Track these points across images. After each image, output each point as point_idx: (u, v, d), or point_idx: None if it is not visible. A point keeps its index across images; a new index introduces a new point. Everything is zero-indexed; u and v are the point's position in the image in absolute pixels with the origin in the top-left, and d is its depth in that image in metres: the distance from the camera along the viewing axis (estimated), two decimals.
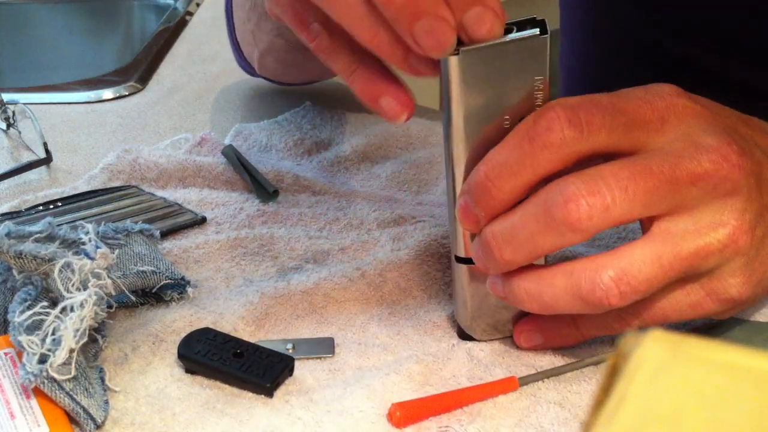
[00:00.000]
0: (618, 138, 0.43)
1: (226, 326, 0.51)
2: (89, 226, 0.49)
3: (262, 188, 0.65)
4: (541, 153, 0.42)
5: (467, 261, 0.48)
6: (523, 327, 0.49)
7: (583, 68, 0.86)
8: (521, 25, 0.43)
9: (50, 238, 0.48)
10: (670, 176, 0.43)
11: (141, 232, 0.55)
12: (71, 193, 0.65)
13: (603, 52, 0.83)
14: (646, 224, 0.45)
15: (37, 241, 0.48)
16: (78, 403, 0.43)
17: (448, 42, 0.41)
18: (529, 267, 0.45)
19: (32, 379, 0.43)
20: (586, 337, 0.49)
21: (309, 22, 0.47)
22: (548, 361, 0.49)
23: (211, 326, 0.50)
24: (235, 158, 0.68)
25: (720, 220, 0.44)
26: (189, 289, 0.53)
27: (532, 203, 0.43)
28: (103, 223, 0.54)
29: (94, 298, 0.45)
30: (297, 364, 0.48)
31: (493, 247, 0.44)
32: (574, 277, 0.43)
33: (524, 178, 0.43)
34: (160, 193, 0.65)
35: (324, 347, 0.50)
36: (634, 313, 0.46)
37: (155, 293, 0.53)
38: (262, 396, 0.46)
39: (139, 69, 0.89)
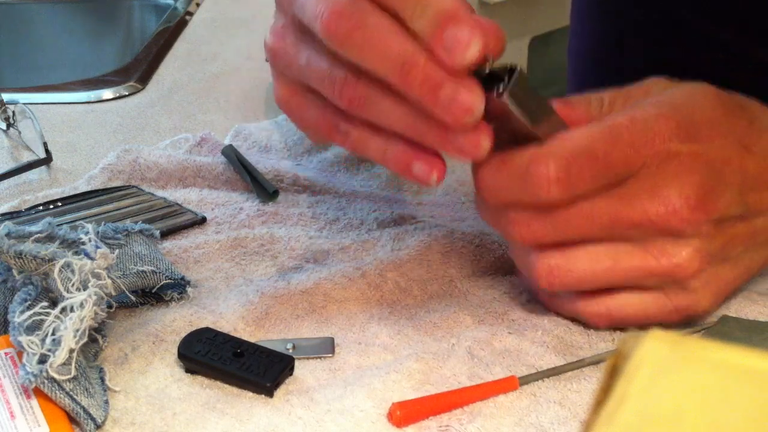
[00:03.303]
0: (598, 186, 0.47)
1: (226, 326, 0.51)
2: (89, 226, 0.49)
3: (262, 188, 0.65)
4: (527, 194, 0.47)
5: None
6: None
7: (590, 51, 0.86)
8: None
9: (50, 238, 0.48)
10: (612, 218, 0.47)
11: (141, 232, 0.55)
12: (71, 193, 0.65)
13: (610, 31, 0.83)
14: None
15: (37, 241, 0.48)
16: (78, 403, 0.43)
17: (473, 104, 0.44)
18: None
19: (32, 379, 0.43)
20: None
21: (335, 126, 0.49)
22: (548, 360, 0.49)
23: (211, 326, 0.50)
24: (235, 158, 0.68)
25: (668, 252, 0.47)
26: (189, 289, 0.53)
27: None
28: (103, 223, 0.54)
29: (94, 298, 0.45)
30: (297, 363, 0.48)
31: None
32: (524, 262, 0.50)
33: (509, 200, 0.48)
34: (160, 193, 0.65)
35: (324, 347, 0.50)
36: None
37: (155, 293, 0.53)
38: (263, 396, 0.46)
39: (139, 69, 0.89)
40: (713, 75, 0.72)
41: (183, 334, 0.49)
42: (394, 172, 0.49)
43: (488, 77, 0.44)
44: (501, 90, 0.44)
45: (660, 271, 0.47)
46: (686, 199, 0.46)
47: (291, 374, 0.48)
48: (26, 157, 0.71)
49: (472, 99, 0.44)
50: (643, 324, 0.50)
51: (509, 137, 0.47)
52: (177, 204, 0.64)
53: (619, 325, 0.51)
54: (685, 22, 0.74)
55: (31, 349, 0.43)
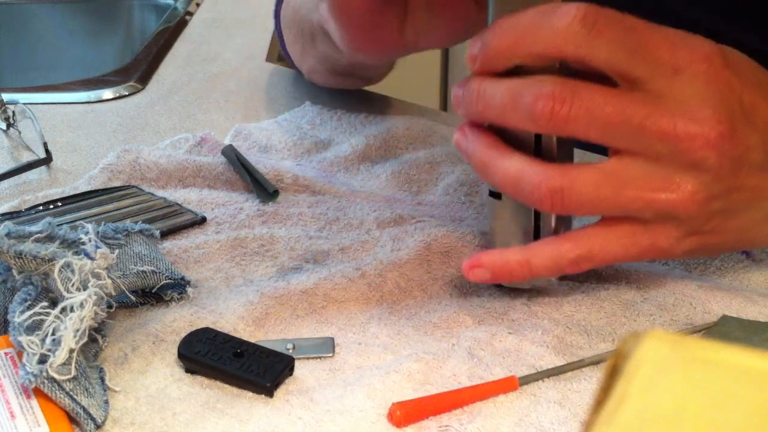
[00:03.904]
0: (620, 60, 0.45)
1: (226, 326, 0.51)
2: (89, 226, 0.49)
3: (262, 188, 0.65)
4: (545, 32, 0.45)
5: (497, 196, 0.52)
6: (472, 263, 0.50)
7: None
8: None
9: (50, 238, 0.48)
10: (640, 121, 0.45)
11: (141, 232, 0.55)
12: (71, 193, 0.65)
13: None
14: (609, 153, 0.47)
15: (37, 241, 0.48)
16: (78, 403, 0.43)
17: None
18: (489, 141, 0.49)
19: (32, 379, 0.43)
20: (535, 274, 0.50)
21: None
22: (548, 360, 0.49)
23: (211, 326, 0.50)
24: (235, 158, 0.68)
25: (673, 183, 0.45)
26: (189, 289, 0.53)
27: (519, 83, 0.46)
28: (103, 223, 0.54)
29: (94, 298, 0.45)
30: (297, 363, 0.48)
31: (473, 97, 0.48)
32: (521, 188, 0.47)
33: (521, 48, 0.46)
34: (160, 193, 0.65)
35: (324, 347, 0.50)
36: (585, 256, 0.48)
37: (155, 293, 0.53)
38: (263, 396, 0.46)
39: (139, 69, 0.89)
40: None
41: (183, 334, 0.49)
42: None
43: None
44: None
45: (660, 202, 0.46)
46: (718, 125, 0.44)
47: (291, 374, 0.48)
48: (26, 157, 0.71)
49: None
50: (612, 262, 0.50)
51: None
52: (177, 204, 0.64)
53: (593, 266, 0.49)
54: (674, 11, 0.74)
55: (31, 349, 0.43)
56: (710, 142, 0.44)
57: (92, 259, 0.47)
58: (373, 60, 0.67)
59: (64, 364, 0.43)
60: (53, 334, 0.44)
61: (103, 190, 0.65)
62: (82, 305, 0.45)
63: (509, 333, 0.51)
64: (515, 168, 0.47)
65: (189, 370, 0.48)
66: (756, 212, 0.49)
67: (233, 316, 0.52)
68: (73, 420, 0.44)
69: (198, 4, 1.07)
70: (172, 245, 0.59)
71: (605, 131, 0.45)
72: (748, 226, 0.50)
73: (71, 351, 0.43)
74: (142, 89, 0.85)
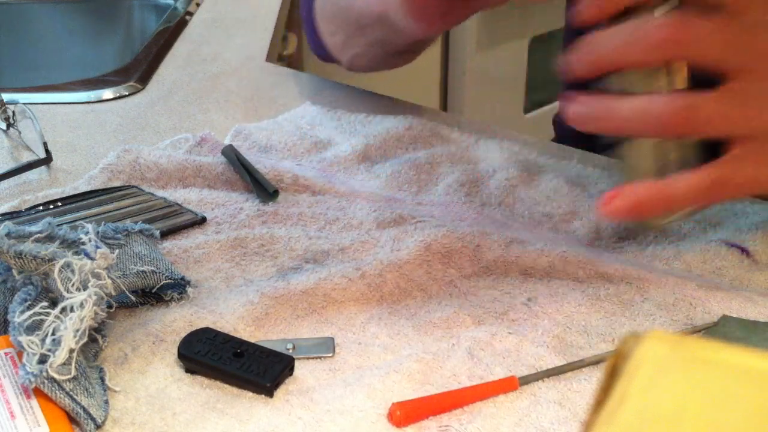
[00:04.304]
0: (711, 49, 0.47)
1: (226, 326, 0.51)
2: (89, 226, 0.49)
3: (262, 188, 0.65)
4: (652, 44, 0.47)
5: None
6: (610, 195, 0.50)
7: None
8: None
9: (50, 238, 0.48)
10: (751, 40, 0.47)
11: (141, 232, 0.55)
12: (71, 193, 0.65)
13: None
14: (722, 83, 0.48)
15: (37, 241, 0.48)
16: (78, 403, 0.43)
17: None
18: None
19: (32, 379, 0.43)
20: (673, 203, 0.50)
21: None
22: (548, 360, 0.49)
23: (211, 326, 0.50)
24: (235, 158, 0.68)
25: None
26: (189, 289, 0.53)
27: (634, 22, 0.48)
28: (103, 223, 0.54)
29: (94, 298, 0.45)
30: (297, 363, 0.48)
31: (595, 41, 0.49)
32: (650, 118, 0.48)
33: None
34: (160, 193, 0.65)
35: (324, 347, 0.50)
36: (720, 181, 0.49)
37: (155, 293, 0.53)
38: (263, 396, 0.46)
39: (139, 69, 0.89)
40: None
41: (183, 334, 0.49)
42: None
43: None
44: None
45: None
46: None
47: (291, 374, 0.48)
48: (26, 157, 0.71)
49: None
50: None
51: None
52: (177, 204, 0.64)
53: (730, 193, 0.51)
54: None
55: (31, 349, 0.43)
56: None
57: (92, 259, 0.47)
58: (438, 33, 0.68)
59: (64, 364, 0.43)
60: (53, 334, 0.44)
61: (103, 190, 0.65)
62: (82, 305, 0.45)
63: (509, 333, 0.51)
64: (639, 102, 0.48)
65: (189, 370, 0.48)
66: None
67: (233, 316, 0.52)
68: (73, 420, 0.44)
69: (198, 4, 1.07)
70: (172, 245, 0.59)
71: (724, 49, 0.47)
72: None
73: (71, 351, 0.43)
74: (142, 89, 0.85)
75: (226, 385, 0.47)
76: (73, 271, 0.46)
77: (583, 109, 0.50)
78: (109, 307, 0.48)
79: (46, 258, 0.46)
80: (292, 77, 0.86)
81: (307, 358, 0.49)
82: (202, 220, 0.62)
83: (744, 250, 0.59)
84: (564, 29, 0.90)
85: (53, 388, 0.43)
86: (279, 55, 0.86)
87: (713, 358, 0.23)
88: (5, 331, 0.47)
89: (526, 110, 2.16)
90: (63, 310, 0.45)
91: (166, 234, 0.60)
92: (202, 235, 0.60)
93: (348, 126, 0.76)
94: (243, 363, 0.47)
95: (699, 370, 0.23)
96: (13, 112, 0.74)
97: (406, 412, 0.44)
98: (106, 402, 0.45)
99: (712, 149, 0.49)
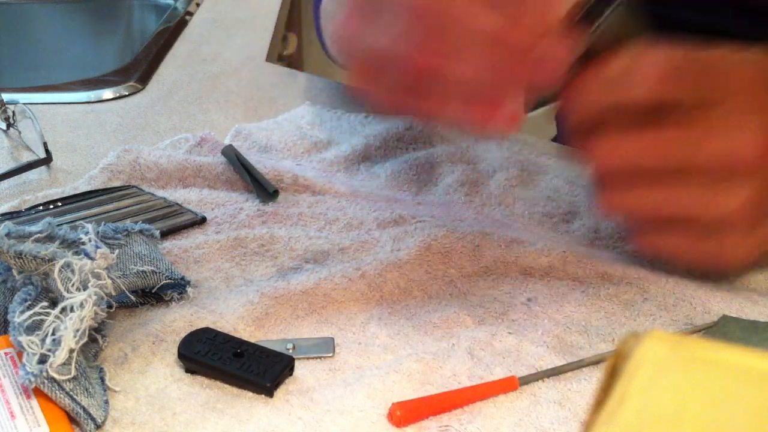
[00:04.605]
0: (686, 97, 0.48)
1: (226, 326, 0.51)
2: (89, 226, 0.49)
3: (262, 188, 0.65)
4: (626, 92, 0.48)
5: None
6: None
7: None
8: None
9: (50, 238, 0.48)
10: (693, 149, 0.48)
11: (141, 232, 0.55)
12: (71, 193, 0.65)
13: None
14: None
15: (37, 241, 0.48)
16: (78, 403, 0.43)
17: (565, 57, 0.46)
18: None
19: (32, 379, 0.43)
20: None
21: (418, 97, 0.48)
22: (548, 360, 0.49)
23: (211, 326, 0.50)
24: (235, 158, 0.68)
25: (725, 190, 0.48)
26: (189, 289, 0.53)
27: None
28: (103, 223, 0.54)
29: (94, 298, 0.45)
30: (297, 363, 0.48)
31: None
32: None
33: (604, 104, 0.50)
34: (160, 193, 0.65)
35: (324, 347, 0.50)
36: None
37: (155, 293, 0.53)
38: (263, 396, 0.46)
39: (139, 69, 0.89)
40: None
41: (183, 334, 0.49)
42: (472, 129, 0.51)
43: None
44: (597, 24, 0.47)
45: (712, 210, 0.48)
46: (763, 135, 0.47)
47: (291, 374, 0.48)
48: (26, 157, 0.71)
49: (567, 46, 0.45)
50: (680, 261, 0.53)
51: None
52: (177, 204, 0.64)
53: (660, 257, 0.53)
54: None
55: (31, 349, 0.43)
56: (750, 156, 0.47)
57: (92, 259, 0.47)
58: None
59: (64, 364, 0.43)
60: (53, 334, 0.44)
61: (103, 190, 0.65)
62: (82, 305, 0.45)
63: (509, 333, 0.51)
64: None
65: (189, 370, 0.48)
66: None
67: (233, 316, 0.51)
68: (73, 420, 0.44)
69: (198, 4, 1.07)
70: (172, 245, 0.59)
71: (657, 161, 0.49)
72: None
73: (71, 351, 0.43)
74: (142, 89, 0.85)
75: (226, 385, 0.47)
76: (73, 271, 0.46)
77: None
78: (109, 307, 0.48)
79: (46, 258, 0.46)
80: (292, 77, 0.86)
81: (307, 358, 0.49)
82: (202, 220, 0.62)
83: None
84: None
85: (53, 388, 0.43)
86: (279, 55, 0.86)
87: (713, 358, 0.23)
88: (5, 331, 0.47)
89: (526, 110, 2.16)
90: (63, 310, 0.45)
91: (166, 234, 0.60)
92: (202, 235, 0.60)
93: (348, 126, 0.76)
94: (243, 363, 0.47)
95: (699, 370, 0.23)
96: (13, 112, 0.74)
97: (406, 412, 0.44)
98: (106, 402, 0.45)
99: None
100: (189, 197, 0.64)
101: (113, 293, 0.48)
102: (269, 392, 0.46)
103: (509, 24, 0.44)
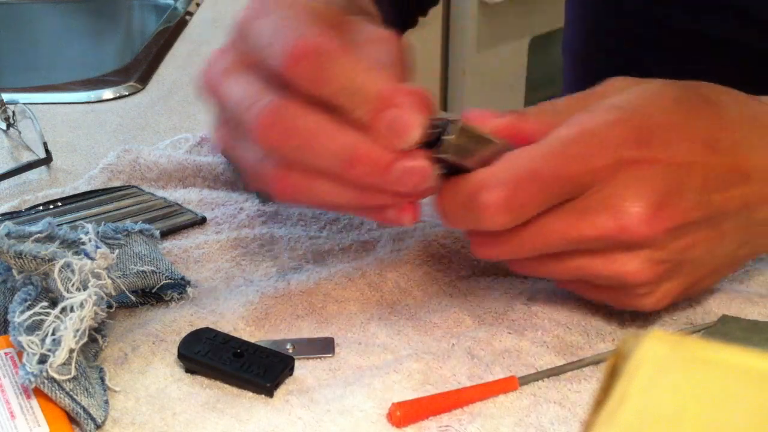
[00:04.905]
0: (548, 205, 0.45)
1: (226, 326, 0.51)
2: (89, 226, 0.49)
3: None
4: (476, 222, 0.46)
5: None
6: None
7: (583, 48, 0.86)
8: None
9: (50, 238, 0.48)
10: (560, 236, 0.46)
11: (141, 232, 0.55)
12: (71, 193, 0.65)
13: (605, 29, 0.83)
14: None
15: (37, 241, 0.48)
16: (78, 403, 0.43)
17: (425, 173, 0.44)
18: None
19: (32, 379, 0.43)
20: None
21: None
22: (548, 360, 0.49)
23: (211, 326, 0.50)
24: None
25: (617, 262, 0.46)
26: (189, 289, 0.53)
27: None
28: (103, 223, 0.54)
29: (94, 298, 0.45)
30: (297, 363, 0.48)
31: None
32: None
33: (465, 226, 0.48)
34: (160, 193, 0.65)
35: (324, 347, 0.50)
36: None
37: (155, 293, 0.53)
38: (263, 396, 0.46)
39: (139, 69, 0.89)
40: (704, 67, 0.72)
41: (183, 334, 0.49)
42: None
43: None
44: (443, 147, 0.45)
45: (609, 276, 0.47)
46: (639, 211, 0.44)
47: (291, 374, 0.48)
48: (26, 157, 0.71)
49: (423, 169, 0.44)
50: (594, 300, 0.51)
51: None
52: (177, 204, 0.64)
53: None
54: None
55: (31, 349, 0.43)
56: (634, 230, 0.44)
57: (92, 259, 0.47)
58: None
59: (64, 364, 0.43)
60: (53, 334, 0.44)
61: (103, 190, 0.65)
62: (82, 305, 0.45)
63: (509, 333, 0.51)
64: None
65: (189, 370, 0.48)
66: (723, 250, 0.48)
67: (233, 316, 0.52)
68: (73, 420, 0.44)
69: (198, 4, 1.07)
70: (172, 245, 0.59)
71: (532, 251, 0.47)
72: (718, 265, 0.50)
73: (71, 351, 0.43)
74: (142, 89, 0.85)
75: (226, 385, 0.47)
76: (73, 271, 0.46)
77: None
78: (109, 307, 0.48)
79: (46, 258, 0.46)
80: None
81: (307, 358, 0.49)
82: (202, 220, 0.62)
83: None
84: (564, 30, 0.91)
85: (53, 388, 0.43)
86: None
87: (713, 358, 0.23)
88: (5, 331, 0.47)
89: None
90: (63, 310, 0.45)
91: (166, 234, 0.60)
92: (202, 235, 0.60)
93: None
94: (243, 363, 0.47)
95: (699, 370, 0.23)
96: (13, 112, 0.74)
97: (405, 412, 0.44)
98: (106, 402, 0.45)
99: None
100: (189, 197, 0.64)
101: (113, 293, 0.48)
102: (269, 392, 0.46)
103: (365, 142, 0.43)
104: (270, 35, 0.45)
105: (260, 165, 0.46)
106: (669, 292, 0.48)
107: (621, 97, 0.47)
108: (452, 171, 0.46)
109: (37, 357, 0.43)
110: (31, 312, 0.44)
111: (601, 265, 0.46)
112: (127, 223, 0.55)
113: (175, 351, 0.48)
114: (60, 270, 0.46)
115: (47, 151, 0.70)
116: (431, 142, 0.45)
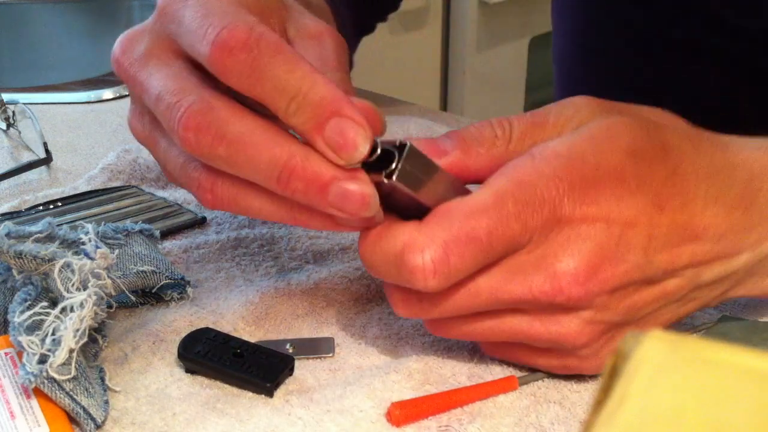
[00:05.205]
0: (481, 266, 0.42)
1: (226, 326, 0.51)
2: (89, 226, 0.49)
3: None
4: (403, 281, 0.42)
5: None
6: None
7: (572, 51, 0.87)
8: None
9: (50, 238, 0.48)
10: (490, 296, 0.42)
11: (141, 232, 0.55)
12: (71, 193, 0.65)
13: (594, 39, 0.83)
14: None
15: (37, 241, 0.48)
16: (78, 403, 0.43)
17: (366, 197, 0.40)
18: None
19: (32, 379, 0.43)
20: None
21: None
22: None
23: (211, 326, 0.50)
24: None
25: (557, 323, 0.43)
26: (189, 289, 0.53)
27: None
28: (103, 223, 0.54)
29: (94, 298, 0.45)
30: (297, 363, 0.48)
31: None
32: None
33: (388, 280, 0.44)
34: (160, 193, 0.65)
35: (324, 347, 0.50)
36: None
37: (155, 293, 0.53)
38: (263, 396, 0.46)
39: None
40: (688, 73, 0.72)
41: (183, 334, 0.49)
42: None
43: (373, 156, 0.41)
44: (390, 171, 0.40)
45: (547, 338, 0.44)
46: (574, 274, 0.41)
47: (291, 374, 0.48)
48: (26, 157, 0.71)
49: (364, 192, 0.40)
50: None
51: (399, 204, 0.43)
52: (177, 204, 0.64)
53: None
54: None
55: (31, 349, 0.43)
56: (572, 293, 0.41)
57: (92, 259, 0.47)
58: None
59: (64, 364, 0.43)
60: (53, 334, 0.44)
61: (103, 190, 0.65)
62: (82, 305, 0.45)
63: None
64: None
65: (189, 370, 0.48)
66: (669, 307, 0.46)
67: (233, 316, 0.52)
68: (73, 420, 0.44)
69: None
70: (172, 245, 0.59)
71: (461, 311, 0.44)
72: (664, 321, 0.46)
73: (71, 351, 0.43)
74: None
75: (226, 385, 0.47)
76: (73, 271, 0.46)
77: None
78: (109, 307, 0.48)
79: (46, 258, 0.46)
80: None
81: (307, 358, 0.49)
82: (202, 220, 0.62)
83: None
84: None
85: (53, 388, 0.43)
86: None
87: (713, 358, 0.23)
88: (5, 331, 0.47)
89: (526, 110, 2.17)
90: (63, 310, 0.45)
91: (166, 234, 0.60)
92: (202, 235, 0.60)
93: None
94: (243, 363, 0.47)
95: (699, 370, 0.23)
96: (13, 112, 0.74)
97: (405, 411, 0.44)
98: (106, 402, 0.45)
99: None
100: (189, 197, 0.64)
101: (113, 293, 0.48)
102: (269, 392, 0.46)
103: (300, 155, 0.40)
104: (196, 20, 0.40)
105: (184, 165, 0.43)
106: (604, 359, 0.45)
107: (570, 139, 0.43)
108: (387, 206, 0.42)
109: (37, 357, 0.43)
110: (31, 312, 0.44)
111: (539, 325, 0.43)
112: (127, 223, 0.55)
113: (175, 351, 0.48)
114: (60, 270, 0.46)
115: (47, 151, 0.70)
116: (373, 166, 0.41)
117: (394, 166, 0.40)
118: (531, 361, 0.47)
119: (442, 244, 0.41)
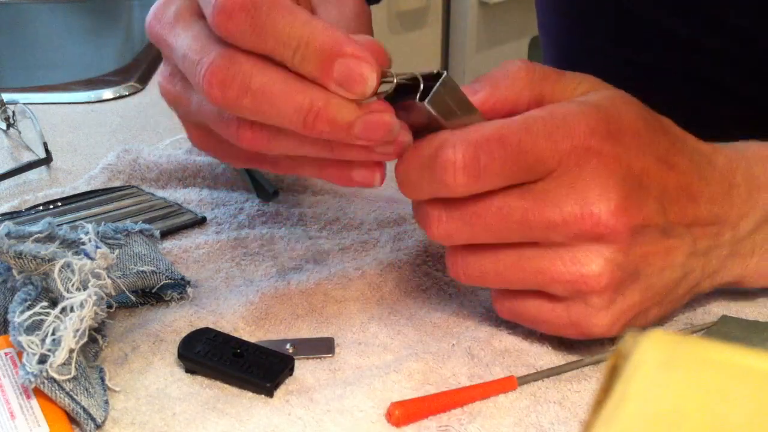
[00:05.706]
0: (511, 179, 0.44)
1: (226, 326, 0.51)
2: (89, 226, 0.49)
3: (262, 188, 0.65)
4: (435, 182, 0.44)
5: None
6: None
7: (559, 48, 0.87)
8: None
9: (50, 238, 0.48)
10: (525, 215, 0.44)
11: (141, 232, 0.55)
12: (71, 193, 0.65)
13: (579, 36, 0.83)
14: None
15: (37, 241, 0.48)
16: (78, 403, 0.43)
17: (388, 125, 0.43)
18: None
19: (32, 379, 0.43)
20: None
21: (267, 158, 0.48)
22: (548, 360, 0.49)
23: (211, 326, 0.50)
24: None
25: (578, 262, 0.44)
26: (189, 289, 0.53)
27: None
28: (103, 223, 0.54)
29: (94, 298, 0.45)
30: (297, 363, 0.48)
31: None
32: None
33: (422, 192, 0.46)
34: (160, 193, 0.65)
35: (324, 347, 0.50)
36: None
37: (155, 293, 0.53)
38: (263, 396, 0.46)
39: (139, 69, 0.89)
40: (678, 70, 0.72)
41: (183, 334, 0.49)
42: (340, 184, 0.48)
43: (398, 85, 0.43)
44: (423, 95, 0.43)
45: (565, 278, 0.45)
46: (607, 201, 0.43)
47: (291, 374, 0.48)
48: (26, 157, 0.71)
49: (385, 121, 0.42)
50: (541, 329, 0.49)
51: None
52: (177, 204, 0.64)
53: (522, 324, 0.49)
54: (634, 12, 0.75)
55: (31, 349, 0.43)
56: (602, 220, 0.43)
57: (92, 259, 0.47)
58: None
59: (64, 364, 0.43)
60: (53, 334, 0.44)
61: (103, 190, 0.65)
62: (82, 305, 0.45)
63: (509, 333, 0.51)
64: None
65: (189, 370, 0.48)
66: (671, 273, 0.47)
67: (233, 316, 0.52)
68: (73, 420, 0.44)
69: None
70: (172, 245, 0.59)
71: (494, 235, 0.45)
72: (669, 289, 0.48)
73: (71, 351, 0.43)
74: (142, 89, 0.85)
75: (226, 385, 0.47)
76: (73, 271, 0.46)
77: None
78: (109, 307, 0.48)
79: (46, 258, 0.46)
80: None
81: (307, 358, 0.49)
82: (202, 220, 0.62)
83: None
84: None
85: (53, 388, 0.43)
86: None
87: (713, 358, 0.23)
88: (5, 331, 0.47)
89: None
90: (63, 310, 0.45)
91: (166, 234, 0.60)
92: (202, 235, 0.60)
93: None
94: (243, 363, 0.47)
95: (699, 370, 0.23)
96: (13, 112, 0.74)
97: (404, 411, 0.44)
98: (106, 402, 0.45)
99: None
100: (189, 197, 0.64)
101: (113, 293, 0.48)
102: (269, 392, 0.46)
103: (321, 99, 0.42)
104: None
105: (218, 117, 0.45)
106: (622, 314, 0.46)
107: (590, 96, 0.46)
108: (418, 132, 0.45)
109: (37, 357, 0.43)
110: (31, 312, 0.44)
111: (560, 265, 0.44)
112: (127, 223, 0.55)
113: (175, 351, 0.48)
114: (60, 270, 0.46)
115: (47, 151, 0.70)
116: (397, 96, 0.43)
117: (431, 92, 0.43)
118: (541, 316, 0.47)
119: (474, 143, 0.43)
